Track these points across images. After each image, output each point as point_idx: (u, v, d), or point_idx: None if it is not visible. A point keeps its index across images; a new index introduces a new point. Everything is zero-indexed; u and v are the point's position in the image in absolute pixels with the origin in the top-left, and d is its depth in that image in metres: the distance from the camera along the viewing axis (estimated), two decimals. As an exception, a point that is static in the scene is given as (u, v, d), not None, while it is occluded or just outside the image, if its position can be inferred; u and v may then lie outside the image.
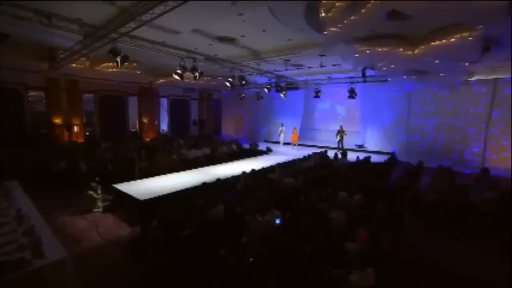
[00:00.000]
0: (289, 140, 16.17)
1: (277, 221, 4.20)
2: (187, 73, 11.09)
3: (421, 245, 5.22)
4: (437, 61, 7.92)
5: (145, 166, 9.41)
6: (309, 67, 10.89)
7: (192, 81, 13.61)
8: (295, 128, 14.64)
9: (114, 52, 6.26)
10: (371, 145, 14.16)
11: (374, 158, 11.07)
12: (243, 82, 9.90)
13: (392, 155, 12.58)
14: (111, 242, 5.15)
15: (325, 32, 6.04)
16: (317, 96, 12.45)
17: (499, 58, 8.52)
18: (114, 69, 10.11)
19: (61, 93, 12.12)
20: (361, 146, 14.41)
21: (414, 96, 12.62)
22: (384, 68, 9.44)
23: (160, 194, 6.55)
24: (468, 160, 11.41)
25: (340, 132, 13.72)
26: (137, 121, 17.26)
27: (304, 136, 17.55)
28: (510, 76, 10.32)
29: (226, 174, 8.86)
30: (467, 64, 7.99)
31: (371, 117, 14.16)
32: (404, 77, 10.90)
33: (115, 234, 5.45)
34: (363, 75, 10.02)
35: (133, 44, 6.75)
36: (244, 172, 7.05)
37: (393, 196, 5.99)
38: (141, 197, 6.29)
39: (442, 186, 6.91)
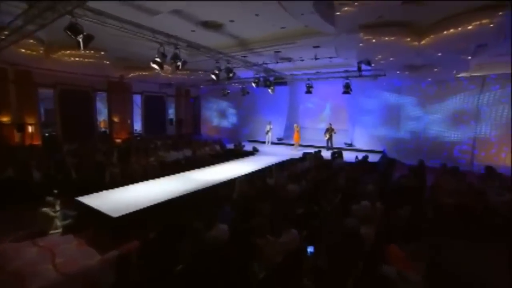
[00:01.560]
0: (275, 140, 15.63)
1: (310, 250, 3.21)
2: (166, 66, 9.81)
3: (458, 258, 4.51)
4: (440, 54, 7.42)
5: (118, 172, 8.00)
6: (302, 59, 10.02)
7: (170, 75, 12.27)
8: (298, 127, 13.42)
9: (73, 29, 4.85)
10: (360, 144, 13.71)
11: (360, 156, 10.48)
12: (231, 74, 8.78)
13: (383, 154, 12.18)
14: (73, 277, 3.84)
15: (338, 13, 5.16)
16: (309, 92, 11.66)
17: (487, 55, 8.19)
18: (77, 58, 8.47)
19: (9, 86, 10.11)
20: (350, 144, 13.91)
21: (404, 93, 12.30)
22: (382, 62, 8.84)
23: (139, 207, 5.31)
24: (458, 157, 11.25)
25: (329, 131, 13.11)
26: (102, 120, 15.47)
27: (289, 135, 16.73)
28: (497, 73, 10.22)
29: (213, 179, 7.75)
30: (469, 57, 7.56)
31: (359, 115, 13.73)
32: (398, 72, 10.45)
33: (79, 265, 4.11)
34: (359, 70, 9.35)
35: (98, 21, 5.37)
36: (239, 179, 5.98)
37: (407, 201, 5.27)
38: (114, 213, 5.02)
39: (455, 188, 6.34)
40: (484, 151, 10.79)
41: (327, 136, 13.15)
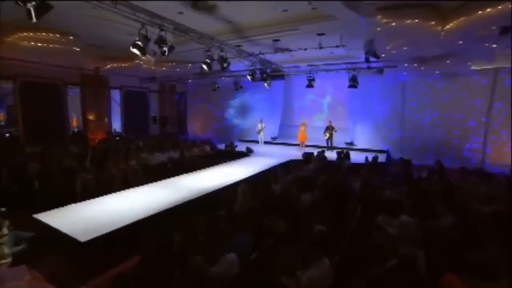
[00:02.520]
0: (268, 139, 14.88)
1: None
2: (148, 56, 8.76)
3: None
4: (460, 42, 6.79)
5: (91, 179, 6.89)
6: (304, 49, 9.19)
7: (153, 67, 11.14)
8: (304, 125, 12.36)
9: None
10: (361, 143, 13.10)
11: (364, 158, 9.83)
12: (225, 65, 7.82)
13: (388, 154, 11.63)
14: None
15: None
16: (310, 86, 10.86)
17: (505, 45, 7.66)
18: (40, 43, 7.22)
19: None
20: (350, 144, 13.28)
21: (409, 88, 11.76)
22: (393, 52, 8.13)
23: (116, 226, 4.29)
24: (468, 157, 10.78)
25: (330, 129, 12.39)
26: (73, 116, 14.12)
27: (283, 134, 16.09)
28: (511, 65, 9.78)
29: (207, 186, 6.83)
30: (494, 45, 6.96)
31: (361, 112, 13.08)
32: (406, 64, 9.84)
33: (32, 313, 3.12)
34: (367, 60, 8.64)
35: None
36: (241, 187, 5.06)
37: (437, 210, 4.54)
38: (83, 236, 4.00)
39: (485, 193, 5.69)
40: (496, 149, 10.36)
41: (327, 135, 12.46)
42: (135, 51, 5.68)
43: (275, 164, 9.70)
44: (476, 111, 10.64)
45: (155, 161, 9.46)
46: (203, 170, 8.93)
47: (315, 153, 9.53)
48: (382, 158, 10.59)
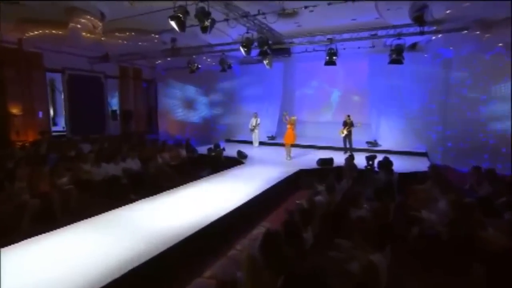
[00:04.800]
0: (265, 139, 12.80)
1: None
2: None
3: None
4: None
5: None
6: (311, 8, 6.63)
7: (102, 38, 8.26)
8: (291, 119, 9.45)
9: None
10: (388, 143, 10.94)
11: (402, 163, 7.94)
12: (207, 22, 5.11)
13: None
14: None
15: None
16: (331, 63, 8.29)
17: None
18: None
19: None
20: (373, 143, 11.12)
21: (456, 68, 9.52)
22: (447, 11, 5.77)
23: None
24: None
25: (348, 125, 10.08)
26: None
27: (282, 132, 13.69)
28: None
29: (179, 227, 4.17)
30: None
31: (387, 102, 11.01)
32: (465, 32, 7.54)
33: None
34: (421, 23, 6.18)
35: None
36: (248, 253, 2.40)
37: None
38: None
39: None
40: None
41: (345, 132, 10.13)
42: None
43: (283, 177, 7.22)
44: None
45: (100, 176, 6.67)
46: (177, 189, 6.29)
47: (345, 159, 7.11)
48: (414, 163, 8.54)
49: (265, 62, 8.65)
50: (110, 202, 5.42)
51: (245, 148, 10.69)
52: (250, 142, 12.22)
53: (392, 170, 6.10)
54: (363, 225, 3.16)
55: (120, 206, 5.19)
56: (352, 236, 3.08)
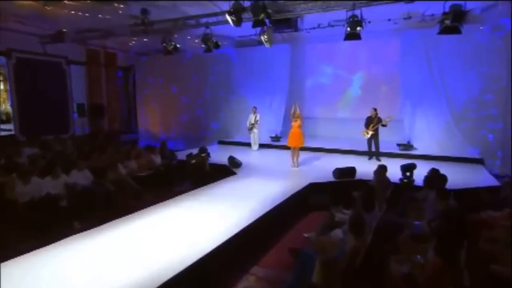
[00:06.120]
0: (268, 140, 12.00)
1: None
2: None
3: None
4: None
5: None
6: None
7: (47, 7, 6.94)
8: (298, 117, 8.40)
9: None
10: (425, 145, 9.77)
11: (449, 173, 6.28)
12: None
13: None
14: None
15: None
16: (353, 36, 6.73)
17: None
18: None
19: None
20: (406, 146, 9.82)
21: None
22: None
23: None
24: None
25: (374, 122, 8.76)
26: None
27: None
28: None
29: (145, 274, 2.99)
30: None
31: (425, 92, 9.84)
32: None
33: None
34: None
35: None
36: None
37: None
38: None
39: None
40: None
41: (370, 132, 8.83)
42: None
43: (287, 195, 6.01)
44: None
45: (28, 196, 5.37)
46: (139, 213, 5.14)
47: (374, 171, 5.70)
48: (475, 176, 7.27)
49: (262, 38, 7.19)
50: (39, 235, 4.34)
51: (242, 152, 9.86)
52: (249, 144, 11.25)
53: (447, 191, 4.54)
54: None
55: (53, 241, 4.01)
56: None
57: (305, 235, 4.89)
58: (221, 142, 12.46)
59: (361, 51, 11.48)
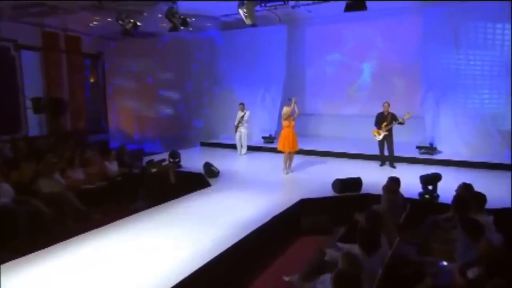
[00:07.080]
0: (260, 141, 11.71)
1: None
2: None
3: None
4: None
5: None
6: None
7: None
8: (289, 119, 7.95)
9: None
10: (451, 147, 9.30)
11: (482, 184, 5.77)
12: None
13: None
14: None
15: None
16: (357, 5, 6.00)
17: None
18: None
19: None
20: (429, 149, 9.26)
21: None
22: None
23: None
24: None
25: (387, 120, 8.19)
26: None
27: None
28: None
29: None
30: None
31: (451, 83, 9.44)
32: None
33: None
34: None
35: None
36: None
37: None
38: None
39: None
40: None
41: (383, 132, 8.17)
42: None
43: (271, 215, 5.29)
44: None
45: None
46: (78, 238, 4.61)
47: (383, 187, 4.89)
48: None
49: (241, 12, 6.19)
50: None
51: (226, 157, 9.79)
52: (235, 147, 10.74)
53: (481, 228, 3.47)
54: None
55: None
56: None
57: (285, 278, 3.93)
58: (204, 144, 12.09)
59: (373, 34, 11.29)
